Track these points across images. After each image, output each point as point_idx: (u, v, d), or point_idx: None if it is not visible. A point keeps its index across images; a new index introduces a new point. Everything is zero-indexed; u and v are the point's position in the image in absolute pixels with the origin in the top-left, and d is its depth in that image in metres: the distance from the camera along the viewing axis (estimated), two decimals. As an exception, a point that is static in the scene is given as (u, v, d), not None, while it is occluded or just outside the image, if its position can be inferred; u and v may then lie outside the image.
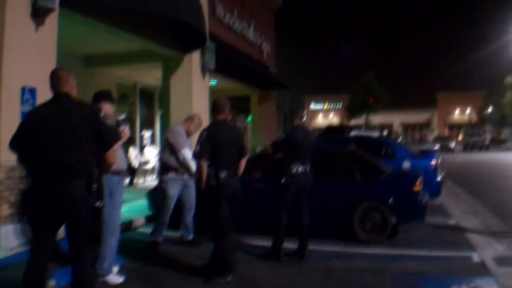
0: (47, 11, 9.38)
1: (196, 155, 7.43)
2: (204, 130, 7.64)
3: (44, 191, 4.92)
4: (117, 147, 6.76)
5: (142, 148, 21.52)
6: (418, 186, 10.21)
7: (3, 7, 8.78)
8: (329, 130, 29.04)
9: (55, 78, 5.28)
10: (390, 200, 9.93)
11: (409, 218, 10.48)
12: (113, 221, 7.29)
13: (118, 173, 7.21)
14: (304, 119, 9.40)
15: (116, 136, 5.74)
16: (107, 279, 7.25)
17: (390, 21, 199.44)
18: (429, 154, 15.33)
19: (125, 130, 7.30)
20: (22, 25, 9.12)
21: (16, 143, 5.22)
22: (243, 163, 7.84)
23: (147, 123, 22.83)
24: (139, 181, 20.14)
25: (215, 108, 7.80)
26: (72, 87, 5.32)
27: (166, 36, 15.46)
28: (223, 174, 7.31)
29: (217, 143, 7.32)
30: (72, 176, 4.89)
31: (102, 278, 7.14)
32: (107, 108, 7.12)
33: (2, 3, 8.78)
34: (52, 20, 9.70)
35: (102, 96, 7.36)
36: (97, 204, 5.02)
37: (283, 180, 8.68)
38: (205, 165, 7.26)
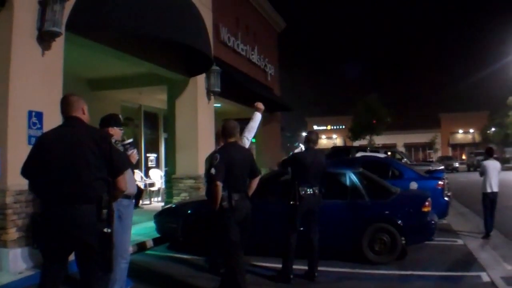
0: (53, 35, 9.41)
1: (212, 178, 7.28)
2: (216, 152, 7.59)
3: (54, 216, 4.90)
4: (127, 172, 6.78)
5: (147, 170, 21.53)
6: (427, 206, 10.19)
7: (9, 32, 8.82)
8: (335, 151, 28.97)
9: (65, 104, 5.30)
10: (399, 221, 9.92)
11: (418, 239, 10.46)
12: (123, 244, 7.24)
13: (127, 196, 7.16)
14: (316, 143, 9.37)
15: (127, 163, 5.72)
16: None
17: (392, 43, 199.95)
18: (436, 174, 15.29)
19: (134, 154, 7.31)
20: (28, 50, 9.14)
21: (27, 170, 5.21)
22: (255, 183, 7.77)
23: (152, 146, 22.84)
24: (145, 202, 20.14)
25: (225, 131, 7.75)
26: (83, 112, 5.33)
27: (172, 59, 15.51)
28: (236, 197, 7.27)
29: (229, 165, 7.27)
30: (82, 201, 4.87)
31: (113, 302, 7.08)
32: (116, 133, 7.12)
33: (9, 28, 8.83)
34: (58, 45, 9.73)
35: (110, 120, 7.37)
36: (106, 230, 4.97)
37: (291, 202, 8.66)
38: (221, 188, 7.16)
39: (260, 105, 9.30)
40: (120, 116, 7.89)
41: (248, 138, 9.00)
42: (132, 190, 7.30)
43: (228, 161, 7.26)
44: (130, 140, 7.62)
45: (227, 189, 7.24)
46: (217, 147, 9.18)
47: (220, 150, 7.71)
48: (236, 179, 7.35)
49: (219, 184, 7.13)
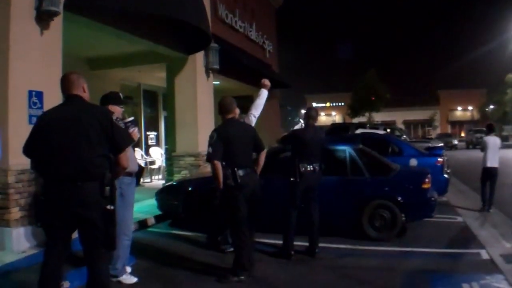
0: (52, 15, 9.38)
1: (209, 158, 7.33)
2: (214, 131, 7.61)
3: (56, 194, 4.91)
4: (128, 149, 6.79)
5: (147, 148, 21.56)
6: (427, 183, 10.22)
7: (7, 12, 8.78)
8: (335, 128, 28.93)
9: (65, 82, 5.29)
10: (399, 198, 9.95)
11: (419, 216, 10.51)
12: (126, 222, 7.33)
13: (129, 174, 7.21)
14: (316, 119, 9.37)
15: (129, 139, 5.71)
16: (121, 279, 7.28)
17: (392, 20, 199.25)
18: (435, 151, 15.29)
19: (135, 132, 7.33)
20: (27, 30, 9.12)
21: (29, 148, 5.23)
22: (262, 158, 7.79)
23: (152, 124, 22.85)
24: (146, 180, 20.20)
25: (222, 108, 7.79)
26: (83, 90, 5.32)
27: (170, 37, 15.47)
28: (240, 173, 7.27)
29: (229, 142, 7.29)
30: (85, 178, 4.87)
31: (116, 278, 7.15)
32: (116, 110, 7.09)
33: (6, 8, 8.78)
34: (56, 24, 9.70)
35: (111, 98, 7.38)
36: (109, 207, 4.98)
37: (292, 179, 8.69)
38: (220, 166, 7.20)
39: (267, 82, 9.30)
40: (120, 94, 7.90)
41: (255, 115, 9.01)
42: (133, 168, 7.35)
43: (226, 138, 7.30)
44: (131, 118, 7.64)
45: (230, 166, 7.26)
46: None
47: (217, 128, 7.73)
48: (239, 155, 7.37)
49: (217, 163, 7.18)
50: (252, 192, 7.48)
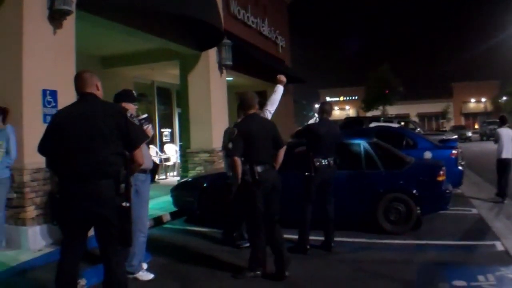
0: (64, 14, 9.43)
1: (230, 153, 7.28)
2: (234, 126, 7.59)
3: (72, 192, 4.92)
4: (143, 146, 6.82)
5: (162, 145, 21.63)
6: (441, 176, 10.21)
7: (20, 11, 8.83)
8: (349, 121, 28.84)
9: (79, 81, 5.30)
10: (414, 191, 9.96)
11: (433, 208, 10.50)
12: (141, 218, 7.34)
13: (143, 171, 7.23)
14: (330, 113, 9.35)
15: (144, 136, 5.72)
16: (137, 276, 7.33)
17: (404, 13, 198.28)
18: (450, 144, 15.26)
19: (149, 129, 7.34)
20: (40, 29, 9.18)
21: (44, 147, 5.24)
22: (281, 154, 7.67)
23: (166, 121, 22.90)
24: (161, 177, 20.29)
25: (244, 103, 7.73)
26: (97, 88, 5.33)
27: (183, 34, 15.50)
28: (258, 169, 7.20)
29: (249, 138, 7.21)
30: (100, 176, 4.88)
31: (132, 275, 7.17)
32: (129, 108, 7.09)
33: (19, 8, 8.83)
34: (69, 23, 9.75)
35: (124, 95, 7.41)
36: (124, 204, 4.99)
37: (307, 173, 8.69)
38: (239, 162, 7.14)
39: (282, 78, 9.27)
40: (134, 92, 7.93)
41: (270, 111, 8.97)
42: (148, 165, 7.35)
43: (246, 133, 7.21)
44: (145, 115, 7.65)
45: (249, 162, 7.21)
46: (238, 119, 9.21)
47: (238, 123, 7.71)
48: (258, 151, 7.29)
49: (237, 159, 7.11)
50: (271, 188, 7.39)
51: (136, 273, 7.33)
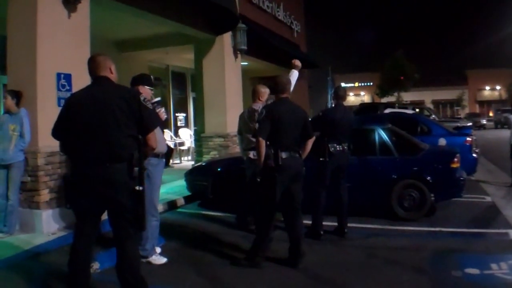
0: (79, -3, 9.45)
1: (256, 134, 7.10)
2: (264, 107, 7.41)
3: (85, 176, 4.94)
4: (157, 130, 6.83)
5: (177, 129, 21.66)
6: (456, 163, 10.18)
7: (34, -5, 8.85)
8: (363, 107, 28.82)
9: (92, 64, 5.29)
10: (428, 177, 9.93)
11: (447, 195, 10.47)
12: (153, 202, 7.36)
13: (156, 155, 7.22)
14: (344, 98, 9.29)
15: (157, 120, 5.71)
16: (150, 259, 7.36)
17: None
18: (464, 131, 15.22)
19: (161, 112, 7.34)
20: (54, 12, 9.19)
21: (58, 131, 5.25)
22: (309, 145, 7.51)
23: (181, 105, 22.94)
24: (175, 161, 20.34)
25: (278, 86, 7.43)
26: (111, 72, 5.32)
27: (198, 18, 15.50)
28: (283, 155, 7.00)
29: (278, 122, 6.99)
30: (113, 160, 4.90)
31: (146, 259, 7.19)
32: (146, 92, 7.14)
33: (34, -8, 8.85)
34: (84, 6, 9.77)
35: (141, 79, 7.42)
36: (138, 187, 4.99)
37: (321, 159, 8.67)
38: (264, 144, 6.93)
39: (297, 63, 9.23)
40: (152, 76, 7.93)
41: None
42: (161, 149, 7.35)
43: (275, 117, 7.01)
44: (158, 99, 7.68)
45: (274, 146, 7.01)
46: (252, 104, 9.16)
47: (268, 105, 7.57)
48: (285, 137, 7.08)
49: (262, 141, 6.91)
50: (294, 176, 7.19)
51: (149, 257, 7.36)
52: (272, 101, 7.86)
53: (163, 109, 7.53)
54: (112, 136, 4.93)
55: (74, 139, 5.07)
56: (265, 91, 9.21)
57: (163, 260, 7.47)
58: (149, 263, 7.31)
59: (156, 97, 7.99)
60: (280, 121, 7.02)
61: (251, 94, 9.24)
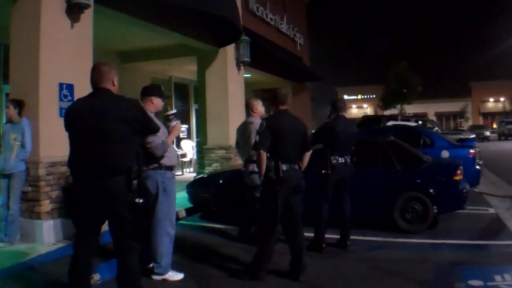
0: (82, 7, 9.44)
1: (255, 146, 7.04)
2: (264, 119, 7.42)
3: (84, 188, 4.94)
4: (170, 143, 6.82)
5: (179, 141, 21.64)
6: (458, 175, 10.14)
7: (38, 4, 8.87)
8: (366, 120, 28.81)
9: (96, 74, 5.23)
10: (431, 190, 9.91)
11: (450, 208, 10.43)
12: (170, 217, 7.11)
13: (170, 168, 7.15)
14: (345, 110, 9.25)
15: (155, 129, 5.76)
16: (167, 276, 7.04)
17: (423, 11, 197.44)
18: (467, 143, 15.22)
19: (177, 125, 7.25)
20: (57, 22, 9.21)
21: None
22: (306, 158, 7.46)
23: (183, 117, 22.92)
24: (177, 173, 20.21)
25: (278, 98, 7.38)
26: (113, 84, 5.28)
27: (201, 30, 15.52)
28: (283, 167, 6.95)
29: (278, 134, 6.96)
30: (111, 172, 4.90)
31: (161, 276, 6.98)
32: (157, 103, 7.09)
33: (37, 1, 8.87)
34: (87, 17, 9.78)
35: (154, 90, 7.25)
36: (137, 200, 5.00)
37: (323, 171, 8.63)
38: (265, 156, 6.88)
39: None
40: (162, 87, 7.87)
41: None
42: (174, 162, 7.32)
43: (276, 129, 6.98)
44: (174, 111, 7.47)
45: (274, 158, 6.97)
46: (247, 117, 9.16)
47: (268, 117, 7.55)
48: (285, 149, 7.04)
49: (263, 153, 6.87)
50: (294, 188, 7.13)
51: (165, 274, 7.05)
52: (272, 113, 7.82)
53: (179, 122, 7.35)
54: (111, 150, 4.93)
55: (73, 151, 5.09)
56: (257, 103, 9.28)
57: (180, 276, 7.17)
58: (165, 280, 7.04)
59: (169, 108, 7.91)
60: (280, 133, 7.00)
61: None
